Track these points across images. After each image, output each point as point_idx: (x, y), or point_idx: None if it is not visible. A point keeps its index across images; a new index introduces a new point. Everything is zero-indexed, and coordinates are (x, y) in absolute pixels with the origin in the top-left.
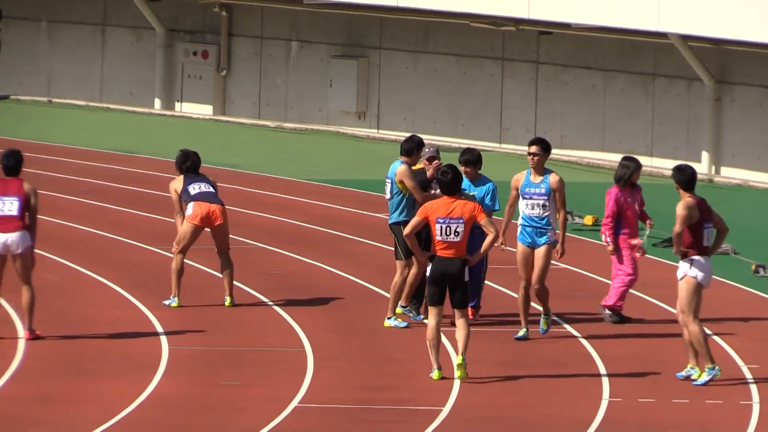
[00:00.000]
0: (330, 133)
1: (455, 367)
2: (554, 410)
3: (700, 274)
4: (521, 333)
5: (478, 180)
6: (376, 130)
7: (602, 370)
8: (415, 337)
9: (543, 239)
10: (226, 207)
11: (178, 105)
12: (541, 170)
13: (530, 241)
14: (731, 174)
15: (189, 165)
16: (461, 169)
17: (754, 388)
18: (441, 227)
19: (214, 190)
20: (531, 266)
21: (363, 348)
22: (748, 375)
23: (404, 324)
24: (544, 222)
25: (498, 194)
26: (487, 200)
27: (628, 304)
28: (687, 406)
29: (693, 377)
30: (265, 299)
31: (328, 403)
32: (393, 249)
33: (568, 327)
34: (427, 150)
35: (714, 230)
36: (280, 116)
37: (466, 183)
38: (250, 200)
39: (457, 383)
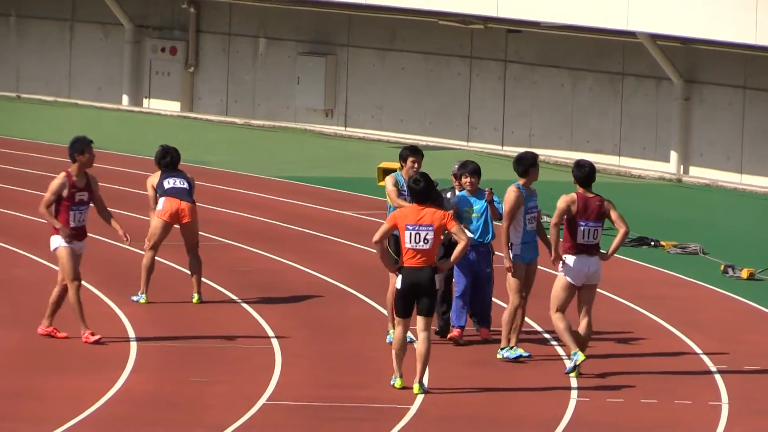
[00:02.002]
0: (297, 131)
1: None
2: (522, 409)
3: (571, 271)
4: (520, 352)
5: (478, 194)
6: (343, 128)
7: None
8: (385, 335)
9: (536, 253)
10: (196, 204)
11: (146, 101)
12: None
13: (532, 257)
14: (700, 174)
15: (168, 161)
16: (464, 180)
17: (723, 388)
18: (410, 234)
19: (187, 187)
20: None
21: (331, 345)
22: (717, 376)
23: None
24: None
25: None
26: (496, 204)
27: (598, 306)
28: (655, 406)
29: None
30: (233, 296)
31: (296, 400)
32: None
33: (535, 326)
34: (455, 166)
35: (598, 230)
36: (248, 113)
37: (465, 196)
38: (219, 197)
39: (425, 381)
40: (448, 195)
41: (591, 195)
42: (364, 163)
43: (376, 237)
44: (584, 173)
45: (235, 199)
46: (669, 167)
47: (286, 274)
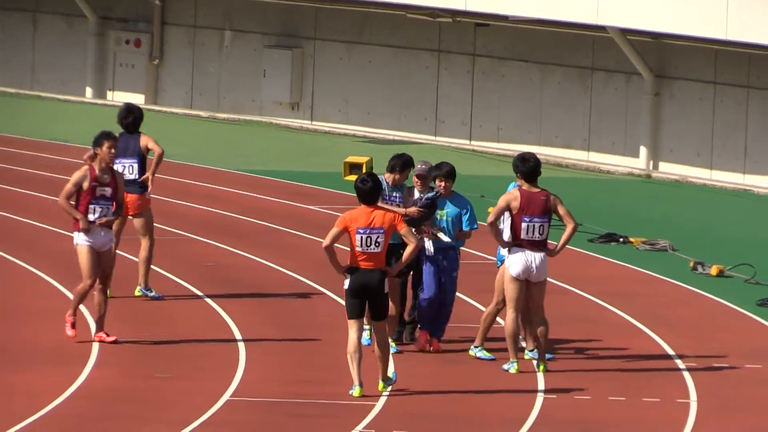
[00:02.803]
0: (263, 124)
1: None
2: (488, 407)
3: (512, 265)
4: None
5: (452, 197)
6: (309, 122)
7: (537, 366)
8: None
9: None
10: (157, 196)
11: (110, 93)
12: None
13: None
14: (669, 170)
15: (130, 121)
16: (438, 183)
17: (691, 386)
18: (362, 238)
19: (135, 177)
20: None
21: (296, 342)
22: (686, 373)
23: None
24: None
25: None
26: (465, 219)
27: (566, 302)
28: (623, 404)
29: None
30: (197, 291)
31: (260, 396)
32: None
33: (502, 322)
34: (418, 165)
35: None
36: (213, 106)
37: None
38: (182, 191)
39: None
40: (417, 196)
41: (536, 190)
42: (330, 157)
43: (326, 242)
44: (529, 167)
45: (200, 193)
46: (638, 163)
47: (251, 269)
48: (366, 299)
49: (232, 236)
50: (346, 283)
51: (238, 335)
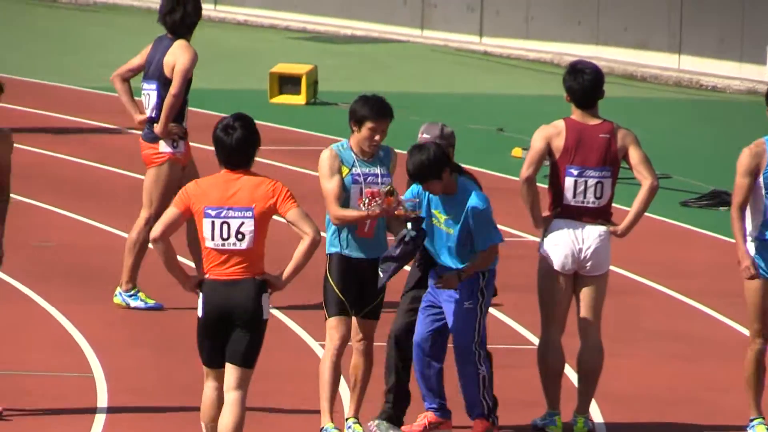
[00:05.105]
0: (133, 10)
1: None
2: None
3: (551, 249)
4: None
5: (454, 193)
6: (212, 6)
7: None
8: (285, 352)
9: None
10: None
11: None
12: None
13: None
14: None
15: (177, 18)
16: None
17: None
18: (212, 224)
19: (151, 112)
20: None
21: (183, 368)
22: None
23: None
24: None
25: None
26: (477, 231)
27: (641, 310)
28: None
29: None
30: (28, 291)
31: None
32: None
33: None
34: (422, 134)
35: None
36: None
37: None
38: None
39: None
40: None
41: (594, 122)
42: (246, 66)
43: (155, 232)
44: (583, 84)
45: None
46: (764, 73)
47: (113, 252)
48: (228, 333)
49: (82, 198)
50: (199, 305)
51: (94, 361)
